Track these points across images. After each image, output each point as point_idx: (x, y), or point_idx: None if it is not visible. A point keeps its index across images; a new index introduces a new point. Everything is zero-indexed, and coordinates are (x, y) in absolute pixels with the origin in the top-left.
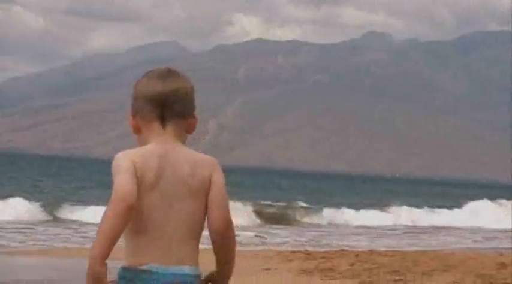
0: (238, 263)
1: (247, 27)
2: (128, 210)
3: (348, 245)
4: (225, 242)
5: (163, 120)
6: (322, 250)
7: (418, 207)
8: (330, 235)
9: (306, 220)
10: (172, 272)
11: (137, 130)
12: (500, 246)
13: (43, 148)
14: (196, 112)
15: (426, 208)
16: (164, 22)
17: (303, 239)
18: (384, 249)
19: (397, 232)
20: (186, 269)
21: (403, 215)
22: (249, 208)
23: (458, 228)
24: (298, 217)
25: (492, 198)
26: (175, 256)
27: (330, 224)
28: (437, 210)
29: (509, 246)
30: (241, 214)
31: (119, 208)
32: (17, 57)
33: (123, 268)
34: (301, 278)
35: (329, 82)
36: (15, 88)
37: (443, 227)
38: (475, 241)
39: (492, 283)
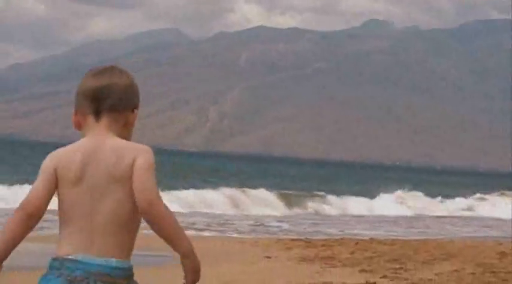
0: (239, 251)
1: (249, 14)
2: (26, 218)
3: (349, 233)
4: (153, 221)
5: (97, 114)
6: (323, 238)
7: (418, 195)
8: (331, 223)
9: (309, 206)
10: (98, 263)
11: (78, 126)
12: (498, 235)
13: (43, 135)
14: (138, 109)
15: (427, 197)
16: (165, 9)
17: (303, 227)
18: (384, 237)
19: (398, 220)
20: (113, 261)
21: (404, 203)
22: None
23: (458, 217)
24: (298, 204)
25: (492, 188)
26: (101, 248)
27: (329, 212)
28: (437, 198)
29: (508, 235)
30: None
31: (18, 216)
32: (17, 43)
33: (52, 259)
34: (301, 265)
35: (329, 70)
36: (16, 75)
37: (445, 217)
38: (475, 230)
39: (494, 272)
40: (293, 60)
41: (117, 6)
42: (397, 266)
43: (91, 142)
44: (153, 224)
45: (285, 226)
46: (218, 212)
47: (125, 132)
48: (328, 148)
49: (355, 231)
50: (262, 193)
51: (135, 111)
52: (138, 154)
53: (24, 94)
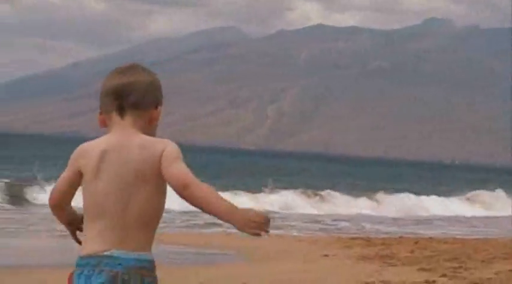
0: (297, 249)
1: (308, 12)
2: (52, 208)
3: (408, 232)
4: (196, 202)
5: (121, 111)
6: (382, 236)
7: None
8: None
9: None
10: (133, 258)
11: (102, 124)
12: None
13: (102, 133)
14: (161, 106)
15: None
16: (225, 7)
17: (363, 224)
18: (443, 236)
19: (461, 219)
20: (144, 255)
21: (466, 202)
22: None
23: None
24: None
25: None
26: (133, 243)
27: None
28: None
29: None
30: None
31: (50, 208)
32: (77, 41)
33: (87, 256)
34: (360, 264)
35: (389, 69)
36: (76, 73)
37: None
38: None
39: None
40: (352, 59)
41: (177, 5)
42: (457, 265)
43: (116, 139)
44: (198, 205)
45: (345, 224)
46: (283, 211)
47: (149, 128)
48: (388, 147)
49: (415, 230)
50: (328, 193)
51: (159, 107)
52: (163, 147)
53: (83, 93)
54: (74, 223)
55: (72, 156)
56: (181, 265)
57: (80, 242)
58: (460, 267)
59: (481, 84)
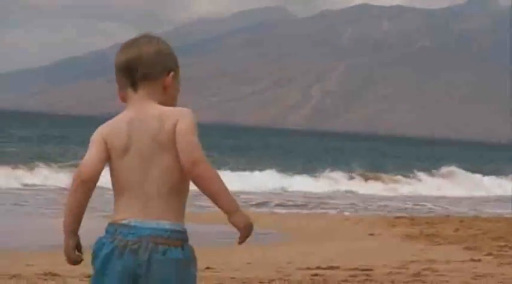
0: (343, 228)
1: None
2: (83, 184)
3: (454, 211)
4: (198, 181)
5: (134, 85)
6: (427, 215)
7: None
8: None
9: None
10: (150, 226)
11: (123, 100)
12: None
13: None
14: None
15: None
16: None
17: (407, 205)
18: (488, 215)
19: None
20: (166, 224)
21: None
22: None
23: None
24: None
25: None
26: (154, 212)
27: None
28: None
29: None
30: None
31: (75, 184)
32: (121, 22)
33: (108, 223)
34: (405, 243)
35: (433, 48)
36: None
37: None
38: None
39: None
40: (397, 39)
41: None
42: (502, 243)
43: (133, 112)
44: (198, 184)
45: (391, 203)
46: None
47: (166, 96)
48: (432, 127)
49: (460, 209)
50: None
51: (171, 73)
52: (179, 118)
53: None
54: (77, 237)
55: (97, 135)
56: (227, 244)
57: (71, 261)
58: (506, 246)
59: None
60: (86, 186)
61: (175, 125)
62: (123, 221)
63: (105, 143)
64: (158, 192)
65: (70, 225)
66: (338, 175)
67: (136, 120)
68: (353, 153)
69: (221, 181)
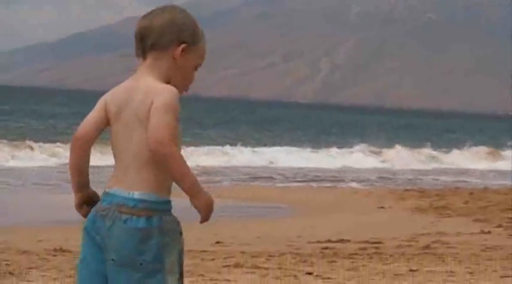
0: (352, 201)
1: None
2: (75, 141)
3: (463, 183)
4: (161, 160)
5: (143, 54)
6: (436, 188)
7: None
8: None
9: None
10: (121, 195)
11: None
12: None
13: None
14: (198, 42)
15: None
16: None
17: (415, 177)
18: (498, 187)
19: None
20: (136, 193)
21: None
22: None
23: None
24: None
25: None
26: (129, 182)
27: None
28: None
29: None
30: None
31: (72, 144)
32: None
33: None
34: (415, 216)
35: (441, 21)
36: (129, 29)
37: None
38: None
39: None
40: (405, 12)
41: None
42: None
43: (132, 82)
44: (161, 163)
45: (400, 177)
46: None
47: (176, 67)
48: (440, 100)
49: (469, 180)
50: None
51: (183, 45)
52: (157, 95)
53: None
54: (84, 192)
55: (101, 98)
56: (236, 219)
57: (83, 216)
58: None
59: None
60: (78, 143)
61: (151, 101)
62: (107, 189)
63: (105, 107)
64: (134, 163)
65: (72, 182)
66: (344, 150)
67: (129, 90)
68: (364, 127)
69: (183, 162)
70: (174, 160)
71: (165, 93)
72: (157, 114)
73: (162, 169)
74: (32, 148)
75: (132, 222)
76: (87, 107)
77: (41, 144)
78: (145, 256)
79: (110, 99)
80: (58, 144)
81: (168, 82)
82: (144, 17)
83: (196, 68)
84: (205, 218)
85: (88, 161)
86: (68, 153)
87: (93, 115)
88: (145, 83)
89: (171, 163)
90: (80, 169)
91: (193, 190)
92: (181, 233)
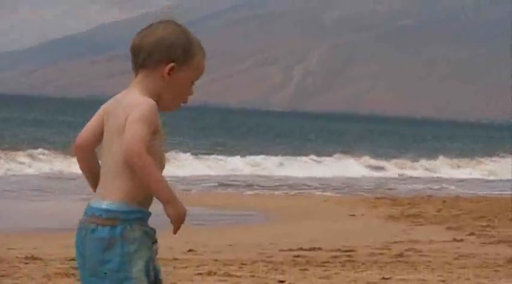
0: (324, 209)
1: None
2: (76, 149)
3: (434, 191)
4: (135, 171)
5: (136, 70)
6: (408, 196)
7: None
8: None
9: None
10: (94, 206)
11: None
12: None
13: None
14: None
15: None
16: None
17: (389, 185)
18: (470, 195)
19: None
20: (104, 203)
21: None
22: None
23: None
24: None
25: None
26: (103, 192)
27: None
28: None
29: None
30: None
31: (74, 152)
32: (103, 3)
33: None
34: (387, 224)
35: (414, 27)
36: (101, 36)
37: None
38: None
39: None
40: (379, 18)
41: None
42: (485, 223)
43: (122, 93)
44: (140, 175)
45: (371, 185)
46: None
47: (163, 86)
48: (413, 106)
49: (442, 189)
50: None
51: (171, 64)
52: (134, 108)
53: (109, 55)
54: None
55: (101, 106)
56: (208, 226)
57: None
58: (488, 226)
59: (509, 43)
60: (79, 151)
61: (128, 114)
62: (89, 202)
63: (103, 114)
64: (110, 173)
65: (91, 187)
66: (316, 158)
67: (117, 101)
68: (340, 135)
69: (155, 172)
70: (147, 171)
71: (141, 105)
72: (131, 126)
73: (136, 179)
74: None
75: (98, 232)
76: (59, 114)
77: (6, 152)
78: (110, 265)
79: (104, 106)
80: (29, 151)
81: (158, 99)
82: (139, 33)
83: (192, 83)
84: (176, 227)
85: (97, 164)
86: (34, 162)
87: (91, 122)
88: (130, 97)
89: (144, 174)
90: (93, 173)
91: (166, 199)
92: (154, 242)
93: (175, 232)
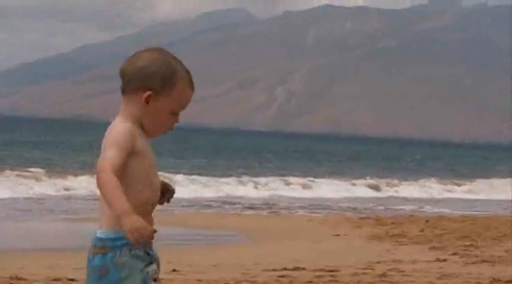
0: (307, 229)
1: None
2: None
3: (419, 211)
4: (98, 186)
5: (122, 95)
6: (392, 215)
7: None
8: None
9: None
10: (95, 235)
11: None
12: None
13: (111, 116)
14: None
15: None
16: None
17: (370, 205)
18: (453, 215)
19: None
20: (98, 232)
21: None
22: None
23: None
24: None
25: None
26: (100, 220)
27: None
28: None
29: None
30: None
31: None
32: (85, 24)
33: None
34: (371, 243)
35: (397, 48)
36: (84, 56)
37: None
38: None
39: None
40: (360, 39)
41: None
42: (468, 243)
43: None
44: (101, 193)
45: (355, 205)
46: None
47: (143, 113)
48: (396, 126)
49: (425, 209)
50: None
51: (147, 93)
52: (108, 135)
53: (92, 76)
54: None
55: None
56: (191, 246)
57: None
58: (471, 245)
59: (489, 63)
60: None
61: (106, 141)
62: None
63: None
64: (102, 202)
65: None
66: (299, 179)
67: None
68: (318, 154)
69: (113, 188)
70: (105, 187)
71: (113, 130)
72: (103, 152)
73: None
74: None
75: (93, 261)
76: (39, 135)
77: None
78: None
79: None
80: (15, 172)
81: (140, 124)
82: (126, 59)
83: (173, 113)
84: (132, 239)
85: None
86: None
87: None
88: (112, 124)
89: (102, 190)
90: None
91: (121, 212)
92: (148, 264)
93: (133, 244)
